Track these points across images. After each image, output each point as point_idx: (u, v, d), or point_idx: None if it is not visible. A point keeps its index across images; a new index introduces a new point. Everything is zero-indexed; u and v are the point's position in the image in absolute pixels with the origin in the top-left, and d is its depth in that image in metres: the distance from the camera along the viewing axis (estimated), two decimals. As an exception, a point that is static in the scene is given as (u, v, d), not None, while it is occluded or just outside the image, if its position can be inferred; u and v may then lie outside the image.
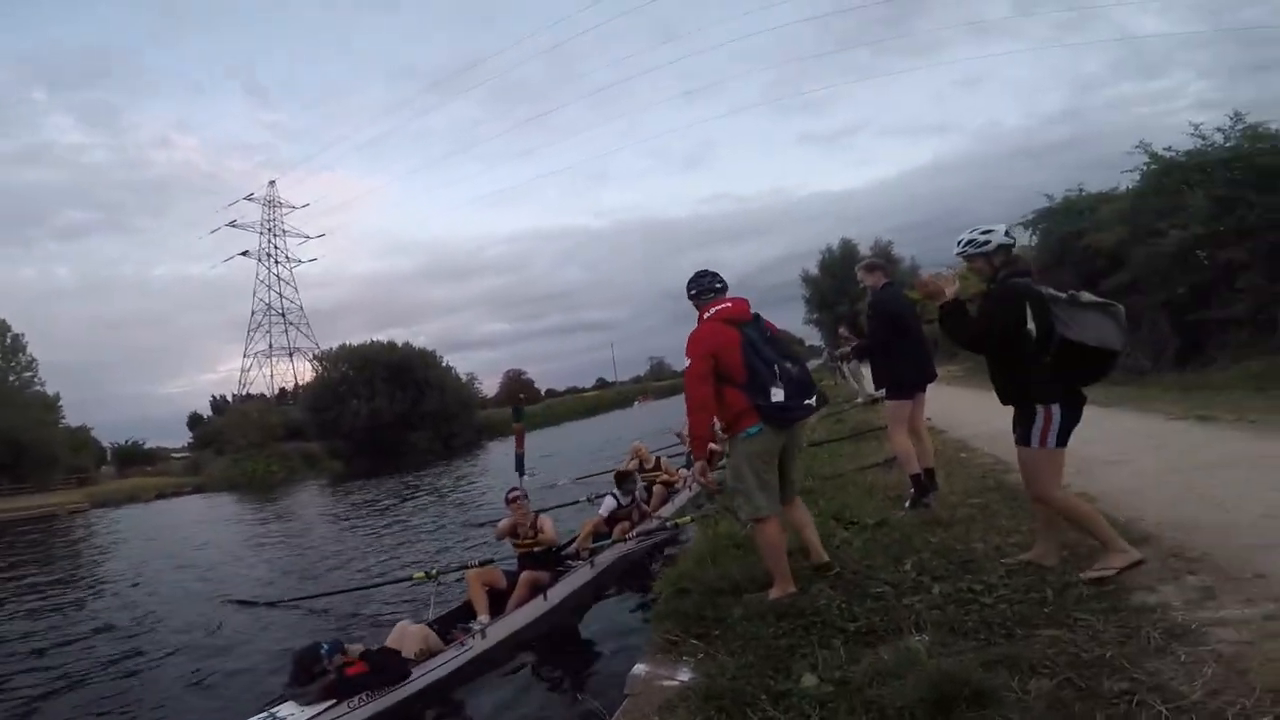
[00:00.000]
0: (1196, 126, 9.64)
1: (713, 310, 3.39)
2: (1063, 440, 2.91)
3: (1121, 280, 10.08)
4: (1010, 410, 3.06)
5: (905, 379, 4.47)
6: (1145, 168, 10.40)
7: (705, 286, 3.52)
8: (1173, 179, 9.65)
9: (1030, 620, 2.48)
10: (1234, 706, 1.79)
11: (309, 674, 4.18)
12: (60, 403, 45.51)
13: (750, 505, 3.18)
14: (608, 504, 7.67)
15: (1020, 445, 2.99)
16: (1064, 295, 2.89)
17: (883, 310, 4.55)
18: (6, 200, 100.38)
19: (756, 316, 3.45)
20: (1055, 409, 2.86)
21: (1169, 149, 10.06)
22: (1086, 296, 2.88)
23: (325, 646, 4.30)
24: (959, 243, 3.15)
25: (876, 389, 5.01)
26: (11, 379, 43.58)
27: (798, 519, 3.50)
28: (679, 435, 11.54)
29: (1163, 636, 2.23)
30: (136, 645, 6.89)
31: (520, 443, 7.27)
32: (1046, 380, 2.88)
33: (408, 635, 4.84)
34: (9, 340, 45.24)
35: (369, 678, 4.26)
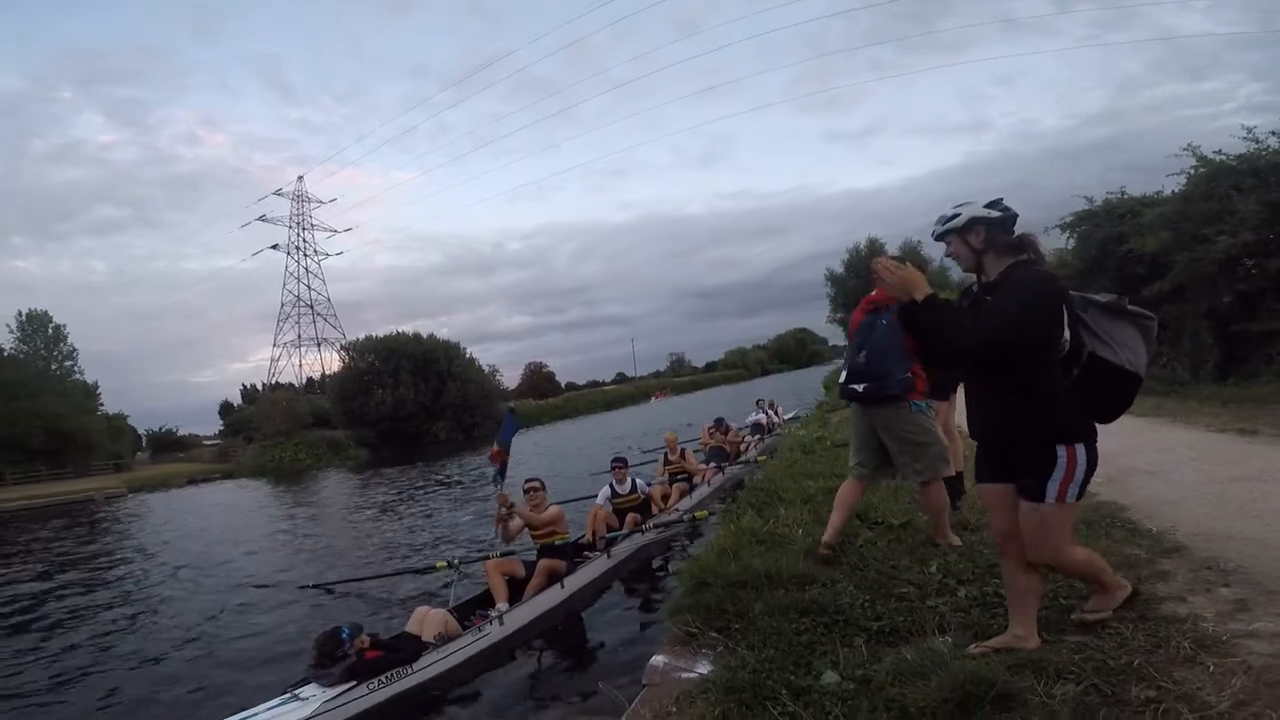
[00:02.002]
0: (1250, 130, 9.32)
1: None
2: (1083, 491, 2.25)
3: (1162, 288, 9.78)
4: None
5: (940, 379, 4.29)
6: (1193, 171, 10.02)
7: None
8: (1222, 184, 9.27)
9: (1057, 626, 2.45)
10: (1261, 718, 1.77)
11: (330, 657, 4.28)
12: (99, 390, 47.05)
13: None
14: (604, 492, 7.74)
15: (1029, 499, 2.23)
16: (1100, 298, 2.30)
17: None
18: (40, 198, 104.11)
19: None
20: (1082, 450, 2.18)
21: (1219, 152, 9.71)
22: (1123, 301, 2.28)
23: (345, 631, 4.39)
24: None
25: None
26: (54, 368, 45.09)
27: (848, 497, 3.79)
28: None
29: (1192, 646, 2.20)
30: (163, 626, 7.10)
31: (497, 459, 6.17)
32: (1077, 411, 2.22)
33: (428, 620, 4.93)
34: (51, 330, 46.84)
35: (386, 660, 4.37)
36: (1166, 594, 2.69)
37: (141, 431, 54.73)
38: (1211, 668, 2.06)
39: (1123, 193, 12.22)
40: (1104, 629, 2.37)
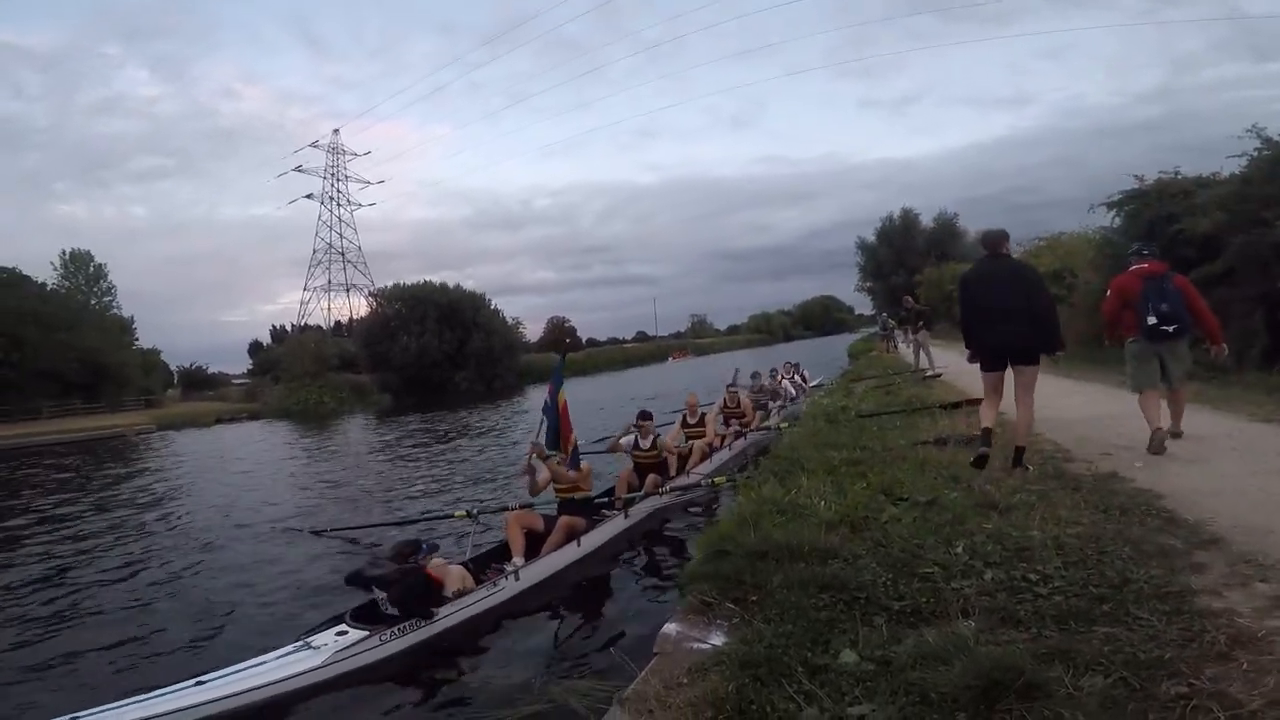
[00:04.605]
0: None
1: None
2: None
3: (1213, 270, 9.40)
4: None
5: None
6: (1256, 153, 9.59)
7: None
8: None
9: (1087, 615, 2.38)
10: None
11: (402, 556, 4.62)
12: (135, 325, 48.33)
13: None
14: (627, 441, 7.82)
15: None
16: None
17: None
18: (85, 147, 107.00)
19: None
20: None
21: None
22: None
23: (425, 545, 4.82)
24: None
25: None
26: (93, 303, 46.34)
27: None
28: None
29: (1227, 642, 2.12)
30: (180, 568, 7.16)
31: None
32: None
33: (449, 575, 5.00)
34: (92, 269, 48.16)
35: (415, 602, 4.50)
36: (1201, 587, 2.59)
37: (174, 368, 56.29)
38: (1245, 665, 1.99)
39: (1177, 172, 11.72)
40: (1135, 621, 2.30)
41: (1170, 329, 5.16)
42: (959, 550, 3.10)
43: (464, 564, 5.34)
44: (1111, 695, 1.87)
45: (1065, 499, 3.88)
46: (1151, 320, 5.18)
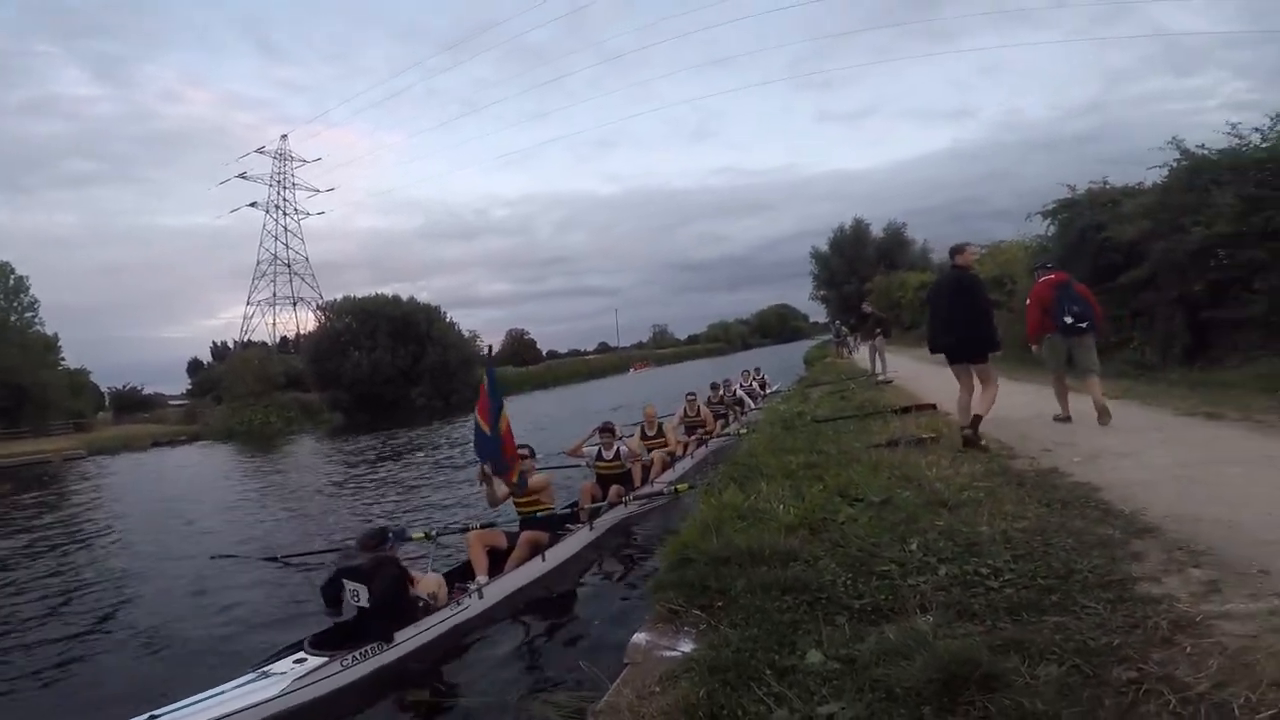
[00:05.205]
0: (1234, 126, 9.53)
1: None
2: None
3: (1137, 275, 9.98)
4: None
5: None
6: (1175, 164, 10.21)
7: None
8: (1202, 177, 9.45)
9: (1037, 605, 2.47)
10: (1239, 699, 1.79)
11: (373, 547, 4.54)
12: (59, 343, 45.70)
13: None
14: (592, 451, 7.91)
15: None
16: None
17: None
18: (8, 150, 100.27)
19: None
20: None
21: (1201, 146, 9.90)
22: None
23: (391, 534, 4.76)
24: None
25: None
26: (13, 319, 43.64)
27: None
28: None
29: (1169, 627, 2.23)
30: (120, 601, 6.78)
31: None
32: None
33: (425, 580, 4.92)
34: (11, 281, 45.22)
35: (394, 596, 4.45)
36: (1141, 574, 2.72)
37: (105, 389, 53.36)
38: (1188, 649, 2.09)
39: (1105, 182, 12.41)
40: (1082, 610, 2.41)
41: (1082, 325, 6.48)
42: (914, 547, 3.20)
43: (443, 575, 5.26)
44: (1066, 683, 1.94)
45: (1011, 494, 4.03)
46: (1067, 319, 6.48)
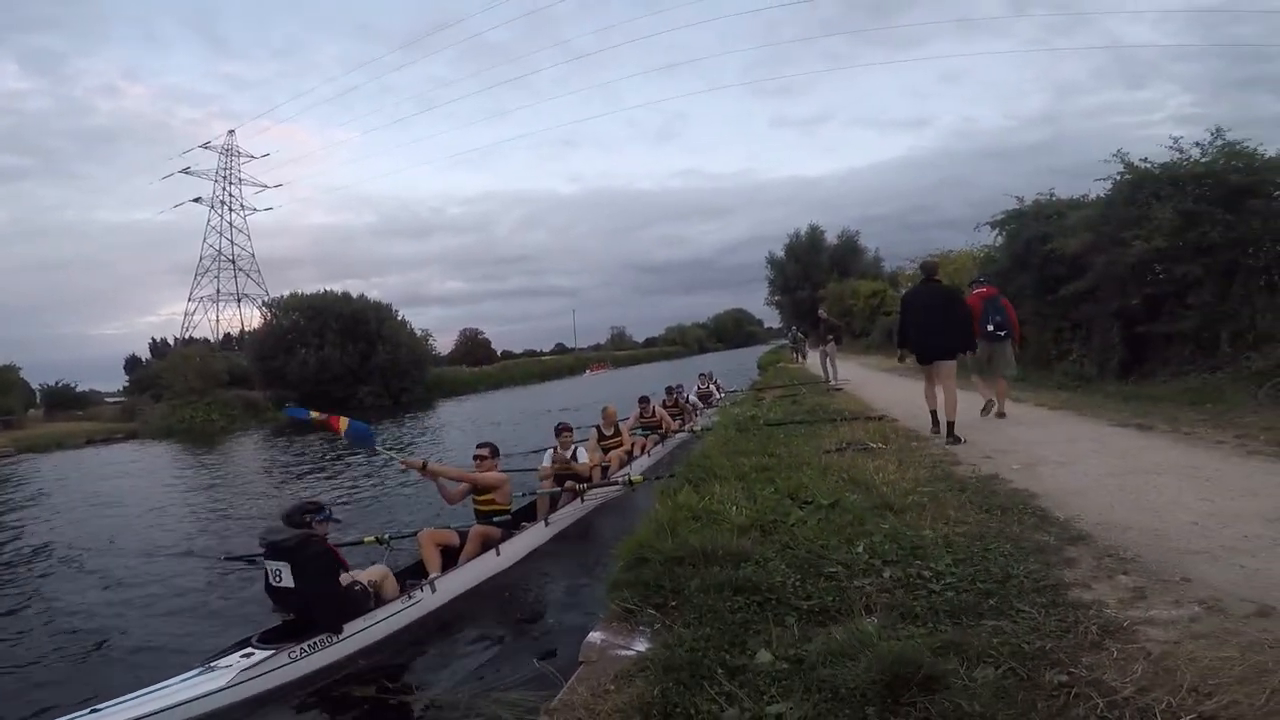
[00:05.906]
0: (1176, 140, 9.70)
1: None
2: None
3: (1079, 287, 10.24)
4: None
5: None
6: (1119, 177, 10.32)
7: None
8: (1144, 190, 9.62)
9: (976, 609, 2.57)
10: (1161, 704, 1.88)
11: (299, 521, 4.39)
12: (-15, 339, 43.16)
13: None
14: (547, 455, 7.79)
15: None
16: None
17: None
18: None
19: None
20: None
21: (1145, 160, 10.01)
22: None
23: (326, 510, 4.67)
24: None
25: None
26: (-64, 316, 40.97)
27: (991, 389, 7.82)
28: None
29: (1098, 632, 2.33)
30: (55, 604, 6.46)
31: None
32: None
33: (367, 572, 4.85)
34: (-66, 278, 42.40)
35: (317, 576, 4.30)
36: (1073, 580, 2.84)
37: (36, 386, 50.60)
38: (1115, 653, 2.19)
39: (1052, 194, 12.62)
40: (1018, 614, 2.51)
41: (1002, 334, 7.65)
42: (860, 550, 3.29)
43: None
44: (1002, 685, 2.02)
45: (953, 500, 4.17)
46: (990, 328, 7.60)
